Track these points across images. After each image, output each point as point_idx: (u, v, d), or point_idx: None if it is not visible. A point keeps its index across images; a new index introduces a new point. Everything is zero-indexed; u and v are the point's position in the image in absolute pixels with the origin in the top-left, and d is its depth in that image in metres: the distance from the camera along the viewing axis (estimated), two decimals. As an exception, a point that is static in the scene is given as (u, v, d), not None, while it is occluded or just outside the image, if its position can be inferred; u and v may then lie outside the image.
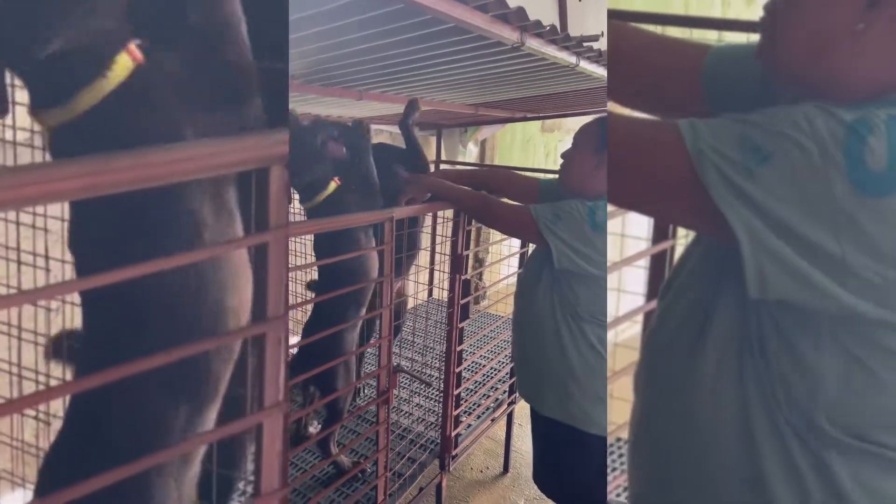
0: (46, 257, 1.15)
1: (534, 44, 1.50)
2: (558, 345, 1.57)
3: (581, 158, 1.60)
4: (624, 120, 0.71)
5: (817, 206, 0.57)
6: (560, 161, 1.68)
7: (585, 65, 1.81)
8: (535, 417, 1.71)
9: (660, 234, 1.55)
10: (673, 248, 1.57)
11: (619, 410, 1.56)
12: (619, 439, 1.91)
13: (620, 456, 1.93)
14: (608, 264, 1.43)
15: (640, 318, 1.51)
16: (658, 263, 1.58)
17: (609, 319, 1.43)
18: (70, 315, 1.19)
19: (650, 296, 1.58)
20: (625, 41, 0.86)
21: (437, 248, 3.21)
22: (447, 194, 1.81)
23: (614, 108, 0.89)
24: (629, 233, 1.62)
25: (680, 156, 0.61)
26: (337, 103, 2.33)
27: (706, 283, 0.72)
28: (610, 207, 1.47)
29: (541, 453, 1.75)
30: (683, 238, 1.54)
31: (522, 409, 2.69)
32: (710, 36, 1.34)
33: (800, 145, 0.57)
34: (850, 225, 0.56)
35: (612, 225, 1.57)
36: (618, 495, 1.73)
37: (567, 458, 1.64)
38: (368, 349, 2.53)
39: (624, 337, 1.63)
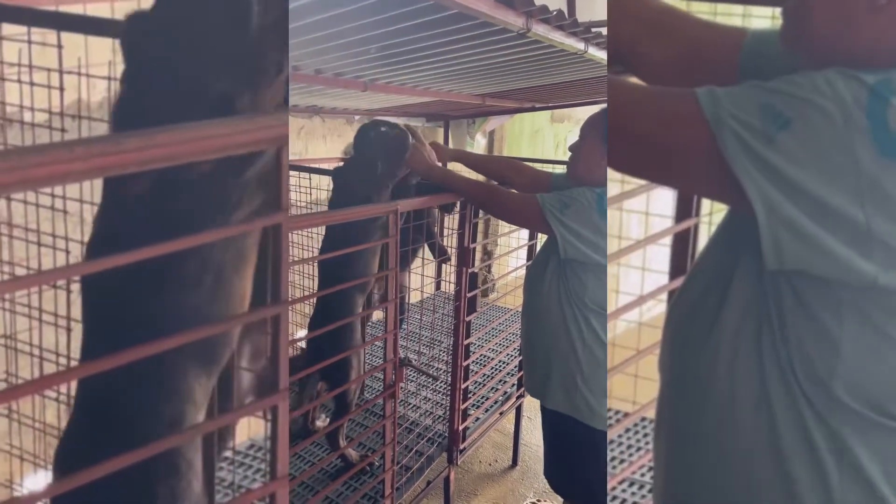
0: (66, 239, 1.15)
1: (540, 30, 1.47)
2: (565, 336, 1.56)
3: (589, 149, 1.58)
4: (631, 87, 0.70)
5: (840, 171, 0.55)
6: (568, 154, 1.67)
7: (594, 51, 1.78)
8: (542, 412, 1.70)
9: (683, 211, 1.53)
10: (697, 226, 1.55)
11: (643, 389, 1.54)
12: (643, 419, 1.90)
13: (645, 436, 1.93)
14: (632, 243, 1.42)
15: (664, 296, 1.49)
16: (681, 242, 1.57)
17: (633, 298, 1.42)
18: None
19: (674, 274, 1.57)
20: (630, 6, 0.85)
21: (445, 241, 3.19)
22: (452, 185, 1.80)
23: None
24: (653, 210, 1.60)
25: (698, 123, 0.60)
26: (342, 95, 2.32)
27: (724, 257, 0.71)
28: (621, 189, 1.45)
29: (548, 449, 1.74)
30: (707, 216, 1.52)
31: (531, 403, 2.68)
32: (735, 10, 1.31)
33: (821, 109, 0.56)
34: (874, 190, 0.54)
35: (637, 203, 1.56)
36: (642, 475, 1.72)
37: (572, 452, 1.63)
38: (375, 343, 2.52)
39: (649, 316, 1.61)
